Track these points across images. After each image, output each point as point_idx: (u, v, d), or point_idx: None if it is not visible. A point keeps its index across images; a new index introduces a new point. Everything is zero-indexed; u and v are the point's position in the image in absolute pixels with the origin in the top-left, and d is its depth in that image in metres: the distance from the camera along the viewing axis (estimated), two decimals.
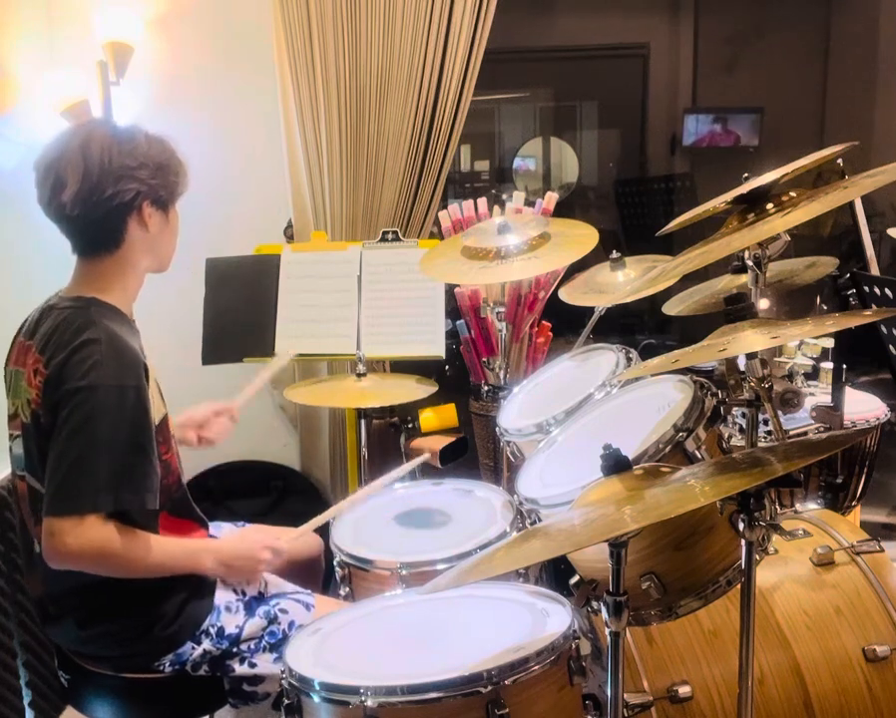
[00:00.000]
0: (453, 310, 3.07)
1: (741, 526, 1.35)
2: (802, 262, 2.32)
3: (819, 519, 1.99)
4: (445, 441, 2.36)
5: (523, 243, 2.23)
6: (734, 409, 2.08)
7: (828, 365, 2.50)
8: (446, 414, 2.62)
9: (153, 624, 1.70)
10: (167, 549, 1.69)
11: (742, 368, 1.55)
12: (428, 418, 2.61)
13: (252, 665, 1.77)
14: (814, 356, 2.55)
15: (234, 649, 1.76)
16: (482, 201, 3.01)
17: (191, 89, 3.17)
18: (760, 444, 1.73)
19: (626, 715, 1.41)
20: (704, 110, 5.91)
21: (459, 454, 2.43)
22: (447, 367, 3.69)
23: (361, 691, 1.34)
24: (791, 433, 2.30)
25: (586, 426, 1.82)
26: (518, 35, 5.30)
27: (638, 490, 1.25)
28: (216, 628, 1.75)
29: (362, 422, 2.58)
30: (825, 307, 2.99)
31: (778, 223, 1.47)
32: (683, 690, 1.66)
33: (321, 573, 2.18)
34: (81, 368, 1.58)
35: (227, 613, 1.77)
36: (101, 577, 1.63)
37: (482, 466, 3.15)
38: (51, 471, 1.58)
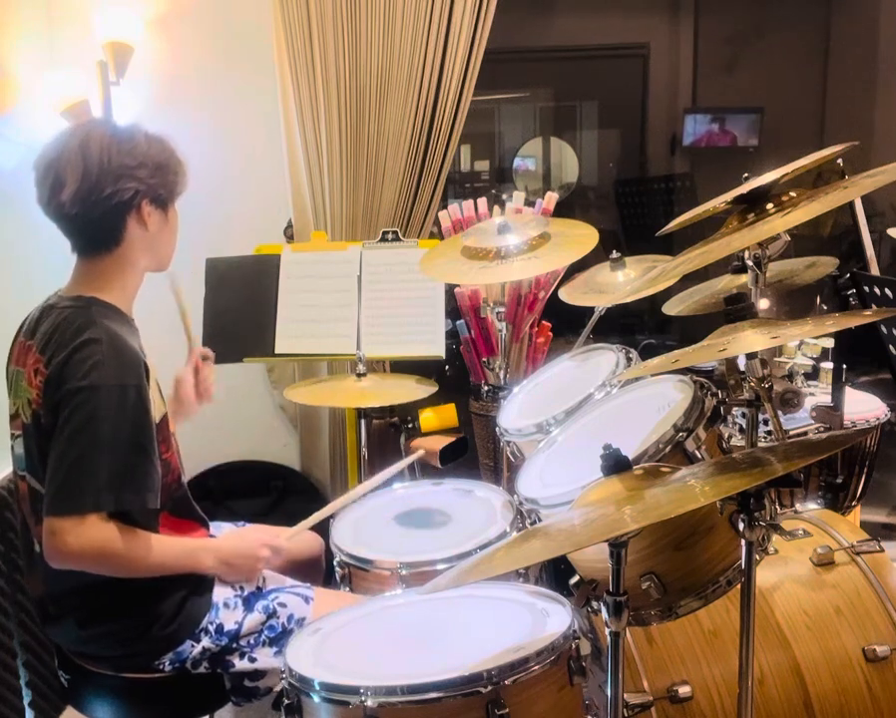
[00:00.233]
0: (453, 310, 3.07)
1: (741, 526, 1.35)
2: (802, 262, 2.32)
3: (819, 519, 1.99)
4: (445, 441, 2.36)
5: (523, 243, 2.23)
6: (734, 409, 2.08)
7: (828, 365, 2.50)
8: (446, 414, 2.62)
9: (152, 623, 1.70)
10: (167, 549, 1.69)
11: (742, 368, 1.55)
12: (428, 418, 2.61)
13: (253, 660, 1.77)
14: (814, 356, 2.55)
15: (234, 645, 1.76)
16: (482, 201, 3.01)
17: (191, 89, 3.17)
18: (760, 444, 1.73)
19: (626, 715, 1.41)
20: (704, 110, 5.91)
21: (459, 454, 2.43)
22: (447, 367, 3.69)
23: (361, 691, 1.34)
24: (791, 433, 2.30)
25: (586, 426, 1.82)
26: (518, 35, 5.30)
27: (638, 490, 1.25)
28: (215, 625, 1.75)
29: (362, 422, 2.58)
30: (825, 307, 2.99)
31: (778, 223, 1.47)
32: (683, 690, 1.66)
33: (322, 573, 2.18)
34: (82, 368, 1.58)
35: (226, 610, 1.77)
36: (101, 577, 1.63)
37: (482, 466, 3.15)
38: (52, 471, 1.58)
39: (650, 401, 1.70)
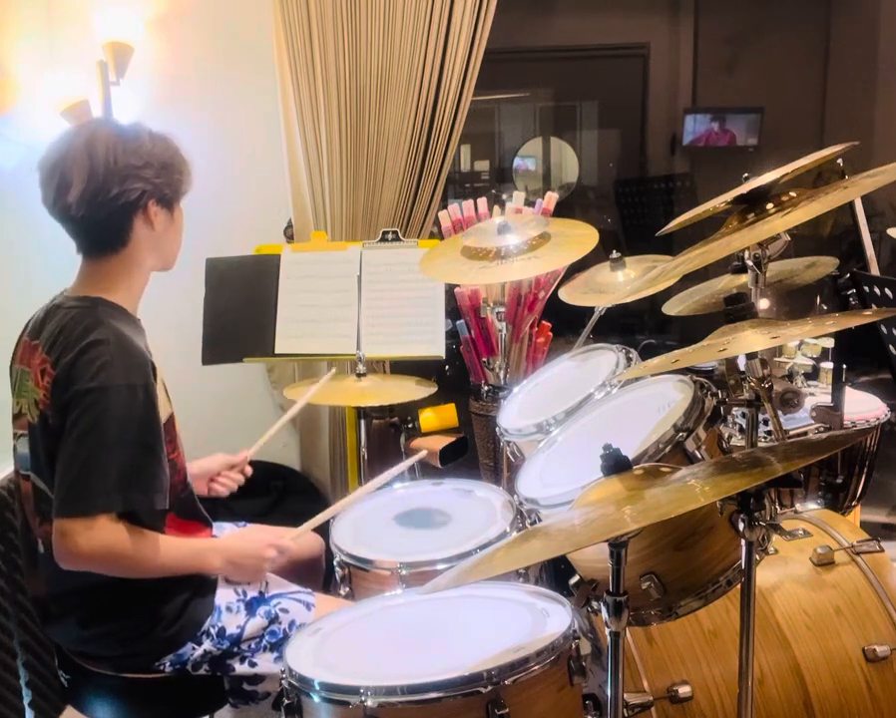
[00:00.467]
0: (453, 310, 3.07)
1: (741, 526, 1.35)
2: (802, 262, 2.32)
3: (819, 519, 1.99)
4: (445, 441, 2.36)
5: (523, 243, 2.23)
6: (734, 409, 2.08)
7: (828, 365, 2.50)
8: (446, 414, 2.62)
9: (154, 624, 1.70)
10: (175, 549, 1.70)
11: (742, 368, 1.55)
12: (428, 418, 2.61)
13: (253, 665, 1.77)
14: (814, 356, 2.55)
15: (235, 649, 1.76)
16: (482, 201, 3.01)
17: (191, 89, 3.17)
18: (760, 444, 1.73)
19: (626, 715, 1.41)
20: (704, 110, 5.91)
21: (459, 454, 2.43)
22: (447, 367, 3.69)
23: (361, 691, 1.34)
24: (791, 433, 2.30)
25: (586, 426, 1.82)
26: (518, 35, 5.30)
27: (638, 490, 1.25)
28: (216, 628, 1.75)
29: (362, 422, 2.58)
30: (825, 307, 2.99)
31: (778, 223, 1.47)
32: (683, 690, 1.66)
33: (322, 573, 2.18)
34: (90, 369, 1.58)
35: (228, 613, 1.77)
36: (103, 577, 1.63)
37: (482, 466, 3.15)
38: (61, 472, 1.58)
39: (650, 401, 1.70)
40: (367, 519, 2.08)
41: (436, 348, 2.63)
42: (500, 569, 1.30)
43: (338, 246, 2.87)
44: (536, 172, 6.28)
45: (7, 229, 2.92)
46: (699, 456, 1.47)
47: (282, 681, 1.45)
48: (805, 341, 2.52)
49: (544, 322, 3.14)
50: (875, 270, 2.32)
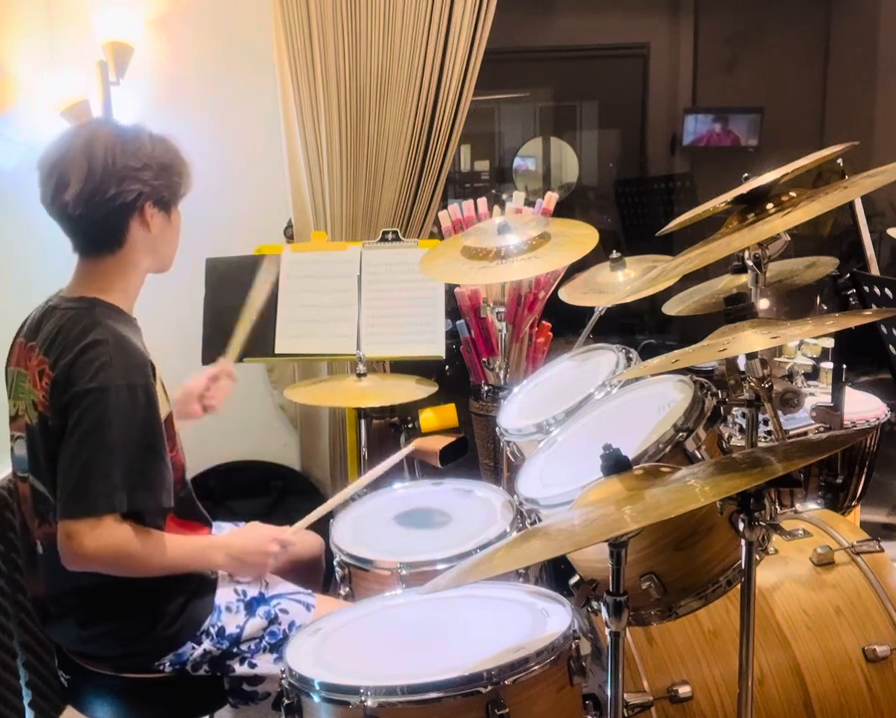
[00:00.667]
0: (453, 310, 3.07)
1: (741, 526, 1.35)
2: (802, 262, 2.32)
3: (819, 519, 1.99)
4: (445, 441, 2.36)
5: (523, 243, 2.23)
6: (734, 409, 2.08)
7: (828, 365, 2.50)
8: (446, 414, 2.62)
9: (154, 624, 1.70)
10: (179, 548, 1.70)
11: (742, 368, 1.55)
12: (428, 418, 2.60)
13: (253, 665, 1.77)
14: (814, 356, 2.55)
15: (235, 649, 1.76)
16: (482, 201, 3.01)
17: (191, 89, 3.17)
18: (760, 444, 1.73)
19: (626, 715, 1.41)
20: (704, 110, 5.91)
21: (459, 454, 2.42)
22: (447, 367, 3.69)
23: (361, 691, 1.34)
24: (791, 433, 2.30)
25: (586, 426, 1.82)
26: (518, 35, 5.30)
27: (638, 490, 1.25)
28: (216, 628, 1.75)
29: (362, 422, 2.58)
30: (825, 307, 2.99)
31: (778, 223, 1.47)
32: (683, 690, 1.66)
33: (322, 573, 2.18)
34: (89, 369, 1.58)
35: (228, 613, 1.77)
36: (103, 578, 1.63)
37: (482, 466, 3.15)
38: (64, 473, 1.58)
39: (650, 401, 1.70)
40: (367, 519, 2.08)
41: (436, 348, 2.63)
42: (500, 569, 1.30)
43: (338, 246, 2.87)
44: (536, 172, 6.28)
45: (7, 229, 2.92)
46: (699, 456, 1.47)
47: (282, 681, 1.45)
48: (805, 341, 2.52)
49: (544, 322, 3.14)
50: (875, 270, 2.32)
